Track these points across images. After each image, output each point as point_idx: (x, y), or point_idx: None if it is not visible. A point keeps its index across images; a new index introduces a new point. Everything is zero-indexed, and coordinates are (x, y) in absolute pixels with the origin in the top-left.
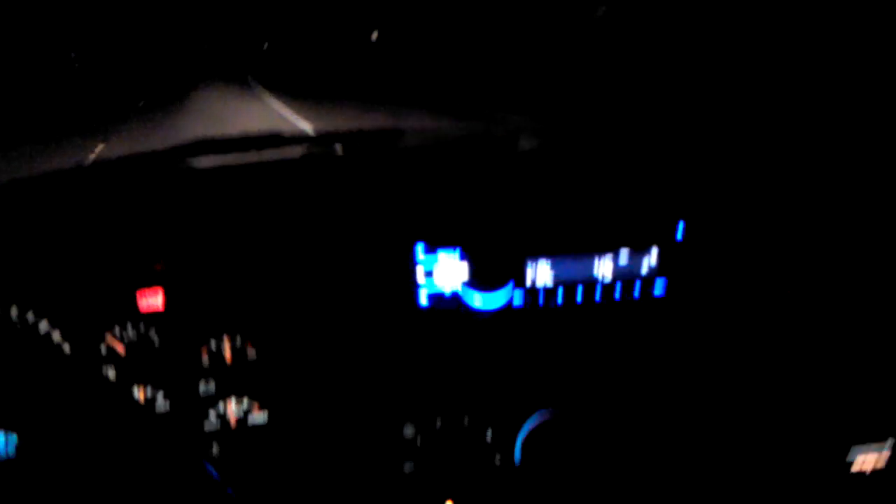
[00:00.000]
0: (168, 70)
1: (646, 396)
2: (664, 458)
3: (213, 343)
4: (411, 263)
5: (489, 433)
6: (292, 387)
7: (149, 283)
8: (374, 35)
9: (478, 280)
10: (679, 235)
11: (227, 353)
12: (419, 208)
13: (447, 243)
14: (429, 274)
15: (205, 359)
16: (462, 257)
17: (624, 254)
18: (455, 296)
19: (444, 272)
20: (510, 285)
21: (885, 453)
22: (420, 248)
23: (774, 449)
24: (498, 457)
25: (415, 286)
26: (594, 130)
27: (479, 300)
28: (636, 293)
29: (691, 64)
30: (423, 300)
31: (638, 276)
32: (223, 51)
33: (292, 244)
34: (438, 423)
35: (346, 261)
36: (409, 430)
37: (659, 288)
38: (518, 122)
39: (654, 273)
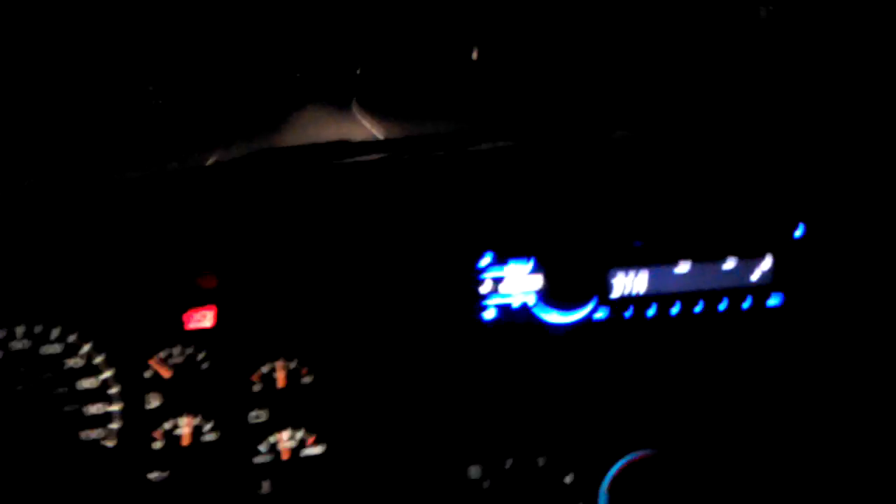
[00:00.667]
0: (264, 95)
1: (754, 431)
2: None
3: (265, 367)
4: (476, 275)
5: (569, 477)
6: (349, 416)
7: (199, 301)
8: (475, 54)
9: (555, 295)
10: (798, 239)
11: (281, 379)
12: (488, 215)
13: (519, 253)
14: (496, 286)
15: (256, 385)
16: (536, 268)
17: (731, 262)
18: (525, 308)
19: (514, 283)
20: (593, 301)
21: None
22: (488, 258)
23: None
24: None
25: (479, 299)
26: (697, 124)
27: (555, 317)
28: (745, 305)
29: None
30: (489, 314)
31: (748, 287)
32: (319, 75)
33: (352, 255)
34: (509, 464)
35: (406, 273)
36: (474, 471)
37: (774, 300)
38: (607, 122)
39: (767, 284)
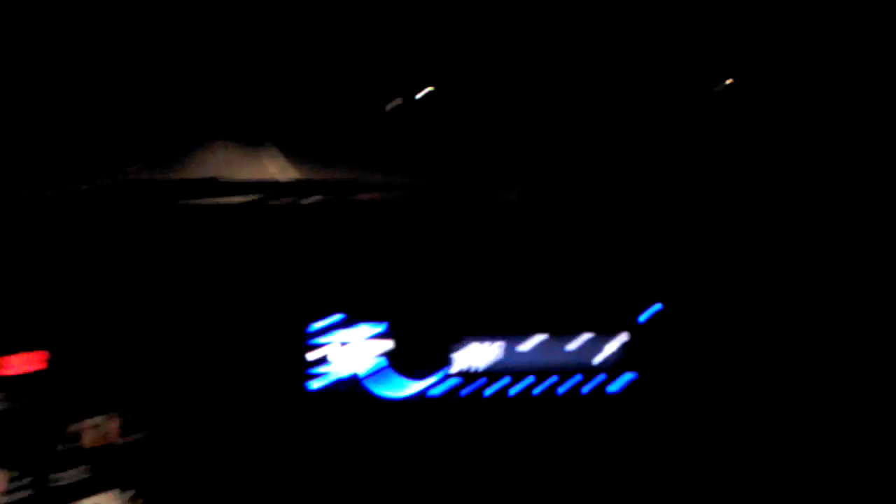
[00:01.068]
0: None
1: None
2: None
3: (87, 421)
4: (304, 340)
5: None
6: (173, 478)
7: (24, 347)
8: (392, 104)
9: (401, 362)
10: (652, 320)
11: (103, 435)
12: (333, 275)
13: (364, 317)
14: (329, 353)
15: (77, 440)
16: (382, 334)
17: (583, 339)
18: (356, 379)
19: (349, 351)
20: (443, 371)
21: None
22: (321, 324)
23: None
24: None
25: (307, 366)
26: (567, 198)
27: (397, 386)
28: (591, 387)
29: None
30: (317, 383)
31: (598, 366)
32: (231, 110)
33: (192, 304)
34: None
35: (241, 332)
36: None
37: (621, 383)
38: (494, 190)
39: (617, 364)
